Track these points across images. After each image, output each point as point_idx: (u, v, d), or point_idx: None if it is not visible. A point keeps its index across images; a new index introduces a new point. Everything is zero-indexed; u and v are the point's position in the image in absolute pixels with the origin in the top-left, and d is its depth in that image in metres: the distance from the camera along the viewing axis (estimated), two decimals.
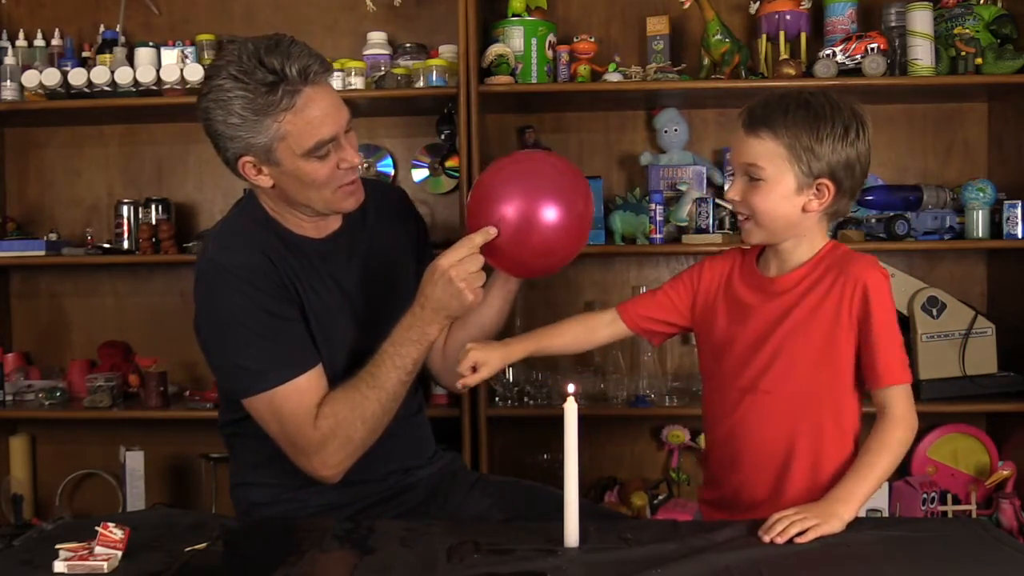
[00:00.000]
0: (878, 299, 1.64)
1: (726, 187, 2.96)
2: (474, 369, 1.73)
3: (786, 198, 1.66)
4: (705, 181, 2.96)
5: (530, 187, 1.73)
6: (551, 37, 2.85)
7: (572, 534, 1.45)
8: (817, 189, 1.66)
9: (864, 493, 1.58)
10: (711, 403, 1.81)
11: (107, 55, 2.92)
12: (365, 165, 3.03)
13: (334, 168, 1.73)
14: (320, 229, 1.85)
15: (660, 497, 2.91)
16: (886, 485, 2.84)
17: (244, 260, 1.73)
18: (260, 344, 1.70)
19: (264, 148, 1.69)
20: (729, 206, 2.85)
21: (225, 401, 1.91)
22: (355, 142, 1.78)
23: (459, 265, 1.69)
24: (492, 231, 1.70)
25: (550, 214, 1.71)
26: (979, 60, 2.72)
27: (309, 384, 1.72)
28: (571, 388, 1.45)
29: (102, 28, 3.05)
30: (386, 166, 3.11)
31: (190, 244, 2.98)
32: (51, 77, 2.84)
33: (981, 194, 2.78)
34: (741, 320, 1.74)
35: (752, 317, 1.73)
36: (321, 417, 1.71)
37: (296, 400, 1.71)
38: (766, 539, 1.48)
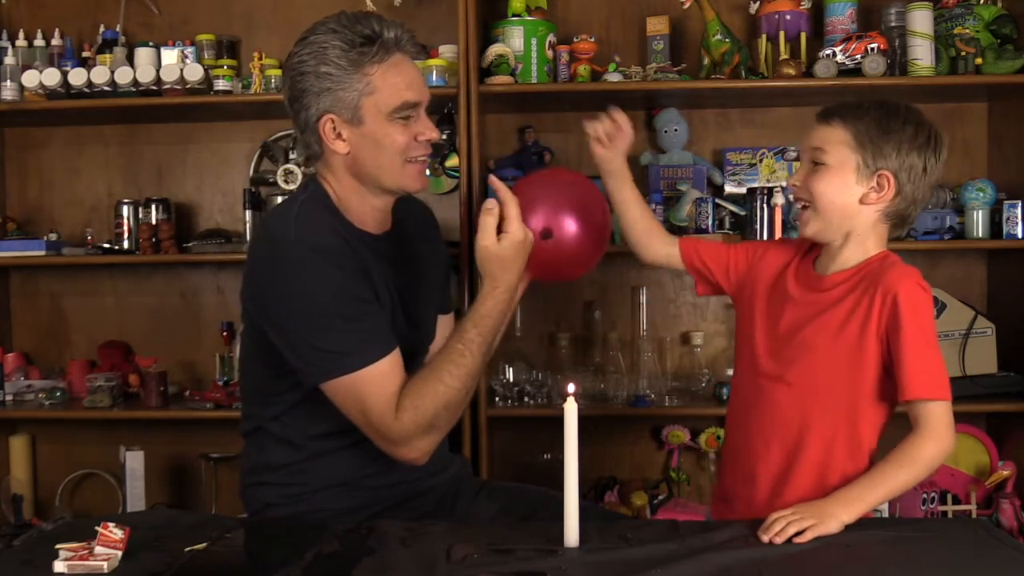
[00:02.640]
0: (909, 311, 1.62)
1: (726, 187, 2.98)
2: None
3: (846, 186, 1.69)
4: (705, 181, 2.96)
5: (583, 201, 1.88)
6: (551, 37, 2.85)
7: (572, 534, 1.45)
8: (878, 183, 1.68)
9: (872, 500, 1.58)
10: (738, 388, 1.84)
11: (107, 55, 2.92)
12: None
13: (412, 138, 1.79)
14: (379, 225, 1.87)
15: (660, 497, 2.90)
16: None
17: (329, 242, 1.74)
18: (344, 326, 1.69)
19: (351, 104, 1.74)
20: (730, 206, 2.87)
21: (256, 397, 1.89)
22: (434, 124, 1.84)
23: (524, 226, 1.76)
24: (503, 186, 1.77)
25: (593, 228, 1.86)
26: (979, 60, 2.72)
27: (391, 368, 1.71)
28: (571, 388, 1.45)
29: (102, 28, 3.05)
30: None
31: (190, 244, 2.98)
32: (51, 77, 2.83)
33: (981, 194, 2.78)
34: (780, 309, 1.76)
35: (790, 308, 1.74)
36: (402, 408, 1.69)
37: (378, 386, 1.69)
38: (764, 539, 1.48)
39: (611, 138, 1.94)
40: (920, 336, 1.63)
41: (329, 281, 1.70)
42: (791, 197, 1.78)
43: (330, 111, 1.75)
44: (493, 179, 1.82)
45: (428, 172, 3.04)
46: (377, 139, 1.76)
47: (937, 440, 1.60)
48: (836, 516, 1.52)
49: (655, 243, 1.97)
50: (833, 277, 1.73)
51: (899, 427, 1.67)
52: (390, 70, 1.75)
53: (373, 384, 1.69)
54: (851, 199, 1.69)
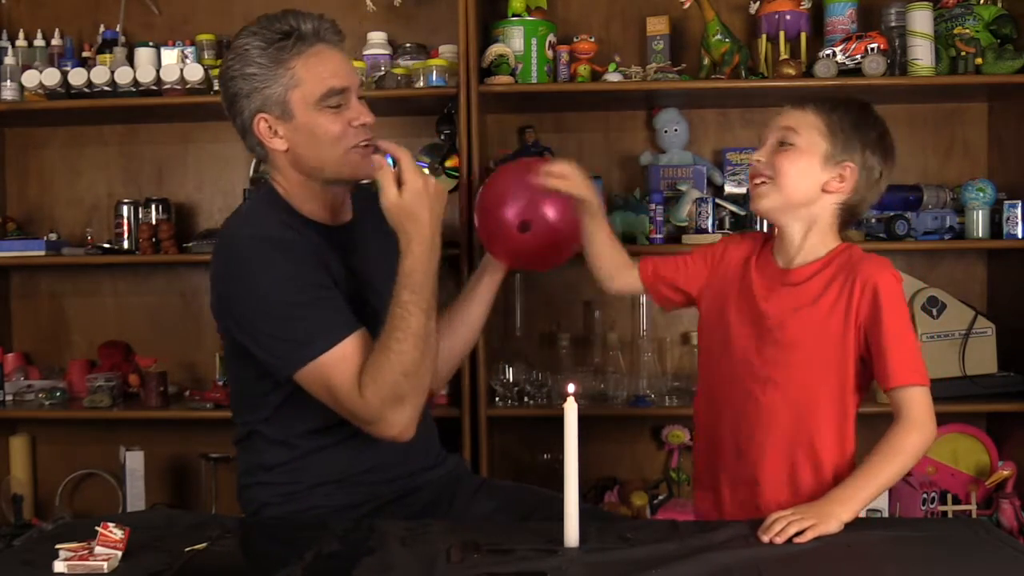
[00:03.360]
0: (888, 300, 1.65)
1: (726, 187, 2.98)
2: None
3: (811, 169, 1.71)
4: (705, 181, 2.96)
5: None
6: (551, 37, 2.85)
7: (572, 534, 1.45)
8: (840, 173, 1.71)
9: (866, 497, 1.58)
10: (717, 393, 1.82)
11: (107, 55, 2.92)
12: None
13: (347, 125, 1.78)
14: (335, 216, 1.87)
15: (660, 497, 2.91)
16: None
17: (278, 234, 1.75)
18: (302, 314, 1.70)
19: (279, 100, 1.75)
20: (730, 206, 2.87)
21: (243, 402, 1.90)
22: (368, 109, 1.82)
23: (424, 173, 1.74)
24: (389, 143, 1.77)
25: (571, 218, 1.87)
26: (979, 60, 2.72)
27: (354, 349, 1.70)
28: (571, 388, 1.45)
29: (102, 28, 3.05)
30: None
31: (190, 244, 2.98)
32: (51, 77, 2.83)
33: (981, 194, 2.78)
34: (753, 309, 1.76)
35: (767, 306, 1.74)
36: (363, 386, 1.69)
37: (342, 369, 1.69)
38: (765, 539, 1.48)
39: (568, 175, 1.92)
40: (900, 324, 1.66)
41: (280, 271, 1.71)
42: (747, 175, 1.79)
43: (261, 110, 1.77)
44: (380, 142, 1.80)
45: (428, 172, 3.06)
46: (311, 130, 1.77)
47: (920, 429, 1.62)
48: (835, 515, 1.52)
49: (623, 272, 1.96)
50: (801, 270, 1.74)
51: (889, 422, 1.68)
52: (311, 60, 1.75)
53: (337, 367, 1.69)
54: (814, 184, 1.72)
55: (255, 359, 1.77)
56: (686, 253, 1.92)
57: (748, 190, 1.80)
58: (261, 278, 1.72)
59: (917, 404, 1.63)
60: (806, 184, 1.71)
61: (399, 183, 1.72)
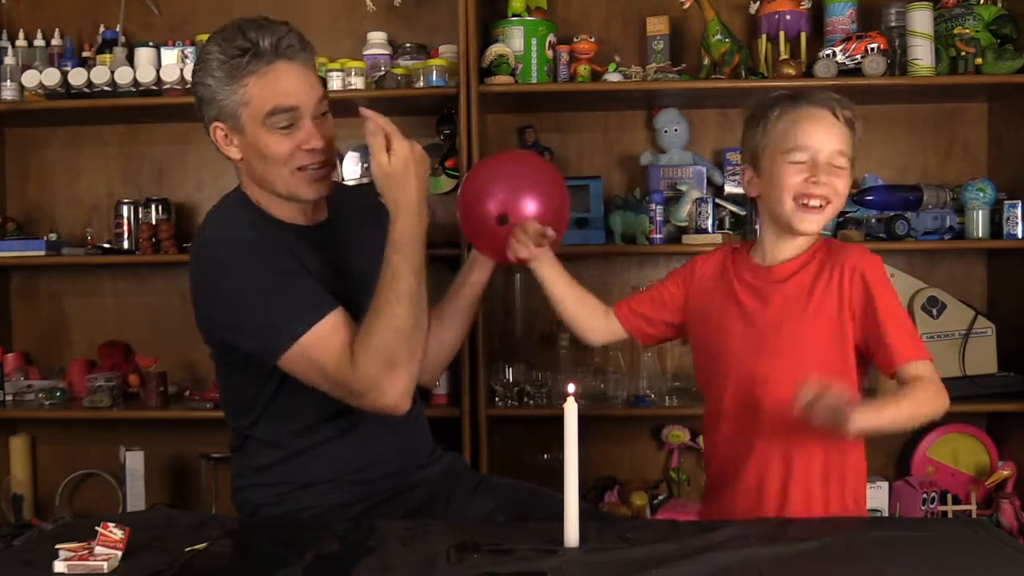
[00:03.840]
0: (877, 284, 1.67)
1: (726, 187, 2.98)
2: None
3: (849, 182, 1.73)
4: (705, 181, 2.96)
5: (536, 180, 1.87)
6: (551, 37, 2.85)
7: (572, 534, 1.45)
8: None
9: (881, 419, 1.56)
10: (718, 398, 1.81)
11: (107, 55, 2.92)
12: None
13: (296, 147, 1.76)
14: (308, 217, 1.87)
15: (660, 497, 2.91)
16: (886, 485, 2.84)
17: (244, 234, 1.77)
18: (277, 299, 1.70)
19: (231, 112, 1.76)
20: (730, 206, 2.87)
21: (234, 409, 1.90)
22: (330, 131, 1.81)
23: (407, 140, 1.72)
24: (368, 110, 1.74)
25: (553, 207, 1.85)
26: (979, 60, 2.72)
27: (337, 324, 1.70)
28: (571, 388, 1.45)
29: (102, 28, 3.05)
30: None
31: (190, 244, 2.98)
32: (51, 77, 2.84)
33: (981, 194, 2.79)
34: (744, 313, 1.76)
35: (757, 309, 1.74)
36: (355, 355, 1.68)
37: (327, 344, 1.69)
38: (804, 401, 1.49)
39: (539, 243, 1.87)
40: (894, 304, 1.67)
41: (247, 265, 1.72)
42: (809, 202, 1.72)
43: (218, 120, 1.79)
44: (363, 110, 1.76)
45: (435, 176, 3.06)
46: (259, 148, 1.78)
47: (939, 392, 1.63)
48: (852, 419, 1.51)
49: (602, 322, 1.92)
50: (785, 266, 1.75)
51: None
52: (265, 79, 1.74)
53: (322, 343, 1.69)
54: None
55: (242, 364, 1.78)
56: (657, 283, 1.92)
57: (790, 212, 1.72)
58: (230, 275, 1.73)
59: (930, 371, 1.64)
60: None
61: (388, 151, 1.72)
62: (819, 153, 1.69)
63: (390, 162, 1.71)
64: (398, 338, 1.69)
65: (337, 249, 1.88)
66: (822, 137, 1.70)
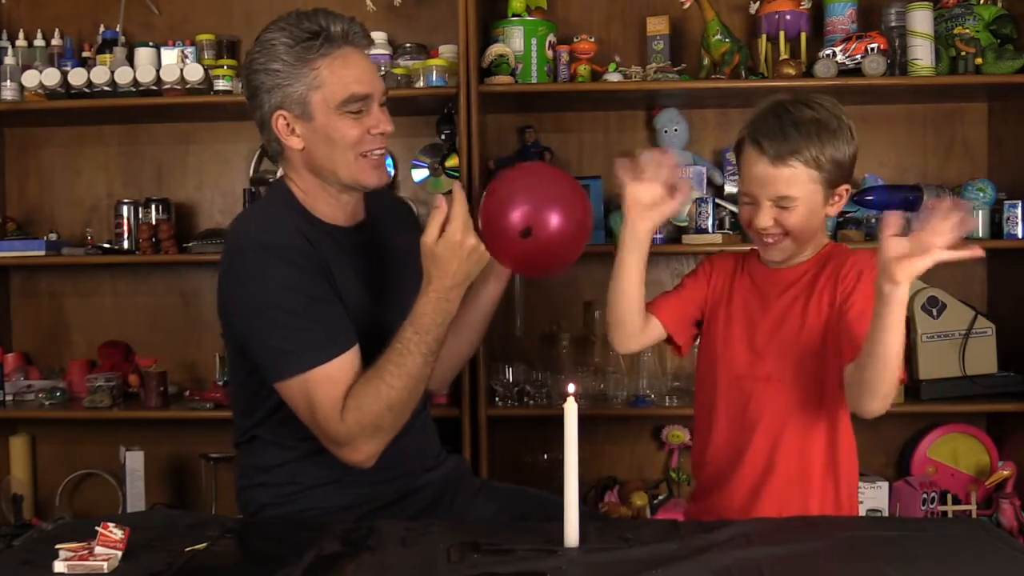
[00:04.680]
0: (868, 283, 1.63)
1: (726, 187, 2.98)
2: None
3: (815, 212, 1.70)
4: (705, 181, 2.96)
5: (560, 194, 1.81)
6: (551, 37, 2.85)
7: (572, 534, 1.45)
8: (837, 195, 1.71)
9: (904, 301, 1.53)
10: (713, 399, 1.81)
11: (107, 55, 2.92)
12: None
13: (364, 132, 1.78)
14: (348, 217, 1.87)
15: (660, 497, 2.91)
16: (886, 485, 2.84)
17: (286, 241, 1.75)
18: (296, 325, 1.70)
19: (300, 99, 1.75)
20: (730, 206, 2.87)
21: (243, 405, 1.90)
22: (389, 117, 1.83)
23: (469, 230, 1.72)
24: (461, 189, 1.75)
25: (577, 220, 1.80)
26: (979, 60, 2.72)
27: (341, 369, 1.71)
28: (571, 388, 1.45)
29: (102, 28, 3.05)
30: (386, 166, 3.11)
31: (190, 244, 2.98)
32: (51, 77, 2.83)
33: (981, 194, 2.79)
34: (746, 313, 1.78)
35: (758, 311, 1.75)
36: (347, 410, 1.69)
37: (328, 387, 1.69)
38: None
39: (653, 206, 1.73)
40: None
41: (282, 277, 1.71)
42: (758, 235, 1.73)
43: (281, 107, 1.77)
44: (456, 183, 1.80)
45: (428, 172, 3.07)
46: (328, 133, 1.77)
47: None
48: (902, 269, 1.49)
49: (641, 328, 1.84)
50: (793, 270, 1.75)
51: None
52: (337, 63, 1.75)
53: (323, 385, 1.70)
54: (820, 219, 1.73)
55: (257, 362, 1.78)
56: (681, 286, 1.89)
57: (760, 247, 1.75)
58: (261, 282, 1.72)
59: None
60: (814, 223, 1.72)
61: (442, 229, 1.72)
62: (759, 196, 1.70)
63: (436, 241, 1.71)
64: (390, 410, 1.71)
65: (372, 251, 1.88)
66: (761, 185, 1.69)
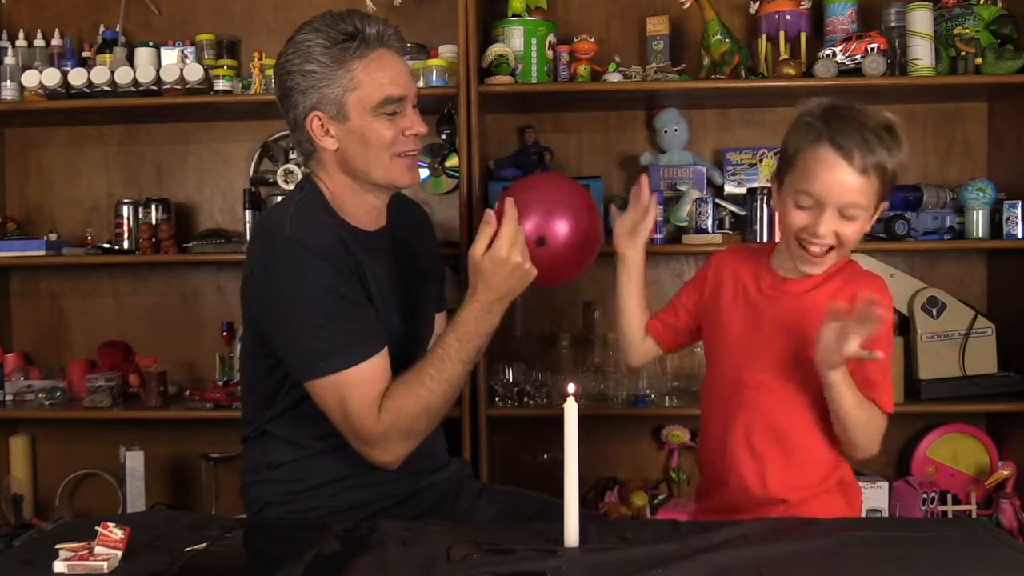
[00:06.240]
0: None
1: (726, 187, 2.98)
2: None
3: (867, 225, 1.68)
4: (705, 181, 2.96)
5: (575, 205, 1.87)
6: (551, 37, 2.85)
7: (572, 534, 1.45)
8: (879, 210, 1.69)
9: (847, 383, 1.61)
10: (717, 399, 1.81)
11: (107, 55, 2.92)
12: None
13: (399, 133, 1.80)
14: (373, 221, 1.88)
15: (660, 497, 2.91)
16: (886, 485, 2.84)
17: (323, 241, 1.75)
18: (332, 326, 1.70)
19: (335, 100, 1.76)
20: (730, 206, 2.87)
21: (255, 400, 1.89)
22: (421, 119, 1.85)
23: (516, 247, 1.74)
24: (513, 205, 1.75)
25: (589, 233, 1.86)
26: (979, 60, 2.72)
27: (375, 370, 1.72)
28: (571, 388, 1.45)
29: (102, 28, 3.05)
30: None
31: (190, 244, 2.99)
32: (51, 77, 2.84)
33: (981, 194, 2.79)
34: (751, 316, 1.76)
35: (764, 316, 1.74)
36: (384, 411, 1.71)
37: (362, 387, 1.70)
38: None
39: (635, 231, 1.87)
40: (882, 344, 1.62)
41: (319, 278, 1.71)
42: (809, 248, 1.67)
43: (316, 108, 1.78)
44: (509, 200, 1.77)
45: (428, 172, 3.07)
46: (363, 134, 1.78)
47: (878, 442, 1.71)
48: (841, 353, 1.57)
49: (644, 339, 1.93)
50: (804, 282, 1.73)
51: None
52: (372, 65, 1.76)
53: (357, 385, 1.70)
54: (866, 230, 1.70)
55: (276, 360, 1.78)
56: (676, 297, 1.91)
57: (793, 250, 1.70)
58: (299, 282, 1.72)
59: (883, 426, 1.68)
60: (860, 237, 1.69)
61: (491, 243, 1.74)
62: (827, 202, 1.63)
63: (483, 255, 1.74)
64: (426, 414, 1.73)
65: (393, 256, 1.89)
66: (838, 192, 1.62)
